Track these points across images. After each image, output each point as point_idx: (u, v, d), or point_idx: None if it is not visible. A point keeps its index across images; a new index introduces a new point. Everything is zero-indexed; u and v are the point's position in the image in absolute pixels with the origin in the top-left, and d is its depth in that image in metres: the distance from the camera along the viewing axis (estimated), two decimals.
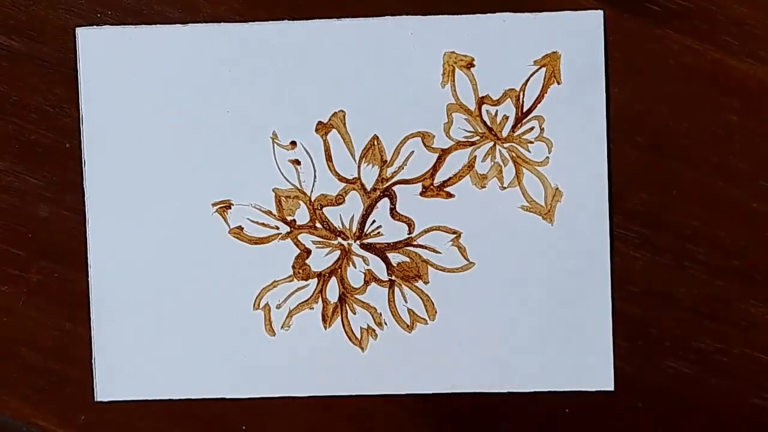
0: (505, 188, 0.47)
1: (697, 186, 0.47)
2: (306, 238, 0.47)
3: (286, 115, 0.47)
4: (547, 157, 0.47)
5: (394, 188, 0.47)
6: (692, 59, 0.47)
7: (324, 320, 0.48)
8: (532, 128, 0.47)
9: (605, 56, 0.46)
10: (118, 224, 0.47)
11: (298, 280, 0.47)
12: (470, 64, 0.47)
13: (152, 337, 0.48)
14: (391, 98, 0.47)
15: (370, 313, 0.47)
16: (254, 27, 0.47)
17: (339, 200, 0.47)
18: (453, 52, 0.47)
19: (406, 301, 0.47)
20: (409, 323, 0.47)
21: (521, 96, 0.47)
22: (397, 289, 0.47)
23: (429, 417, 0.48)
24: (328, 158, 0.47)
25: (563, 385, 0.47)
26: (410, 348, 0.47)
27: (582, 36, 0.46)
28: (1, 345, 0.48)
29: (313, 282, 0.47)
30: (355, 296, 0.47)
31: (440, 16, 0.47)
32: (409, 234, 0.47)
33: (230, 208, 0.47)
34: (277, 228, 0.47)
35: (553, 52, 0.46)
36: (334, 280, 0.47)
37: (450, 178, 0.47)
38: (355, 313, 0.47)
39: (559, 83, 0.47)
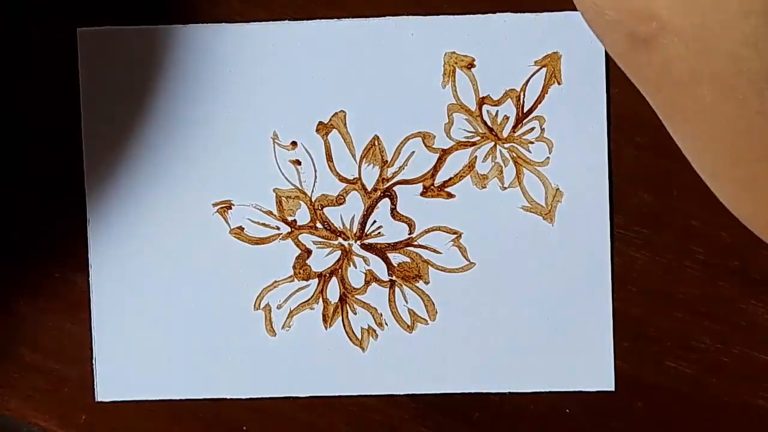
0: (505, 188, 0.47)
1: (697, 186, 0.47)
2: (307, 239, 0.47)
3: (286, 116, 0.47)
4: (548, 158, 0.47)
5: (395, 188, 0.47)
6: None
7: (324, 320, 0.48)
8: (532, 128, 0.47)
9: (605, 56, 0.46)
10: (118, 224, 0.47)
11: (299, 281, 0.47)
12: (471, 65, 0.47)
13: (152, 337, 0.48)
14: (392, 98, 0.47)
15: (371, 313, 0.47)
16: (254, 27, 0.47)
17: (339, 200, 0.47)
18: (453, 53, 0.47)
19: (406, 302, 0.47)
20: (409, 323, 0.47)
21: (522, 96, 0.47)
22: (397, 290, 0.47)
23: (429, 417, 0.48)
24: (329, 158, 0.47)
25: (563, 385, 0.47)
26: (411, 348, 0.47)
27: (582, 36, 0.46)
28: (1, 345, 0.48)
29: (314, 282, 0.47)
30: (356, 296, 0.47)
31: (440, 16, 0.47)
32: (409, 234, 0.47)
33: (231, 208, 0.47)
34: (278, 228, 0.47)
35: (554, 53, 0.47)
36: (334, 280, 0.47)
37: (451, 179, 0.47)
38: (355, 314, 0.47)
39: (559, 83, 0.47)
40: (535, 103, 0.47)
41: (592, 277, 0.47)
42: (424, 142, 0.47)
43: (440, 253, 0.47)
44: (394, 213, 0.47)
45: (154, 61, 0.47)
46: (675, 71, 0.29)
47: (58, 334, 0.48)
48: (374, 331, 0.48)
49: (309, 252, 0.47)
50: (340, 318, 0.47)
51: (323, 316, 0.48)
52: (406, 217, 0.47)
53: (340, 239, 0.47)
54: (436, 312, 0.47)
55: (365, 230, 0.47)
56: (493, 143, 0.47)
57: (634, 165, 0.47)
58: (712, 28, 0.27)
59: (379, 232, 0.47)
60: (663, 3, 0.27)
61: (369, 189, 0.47)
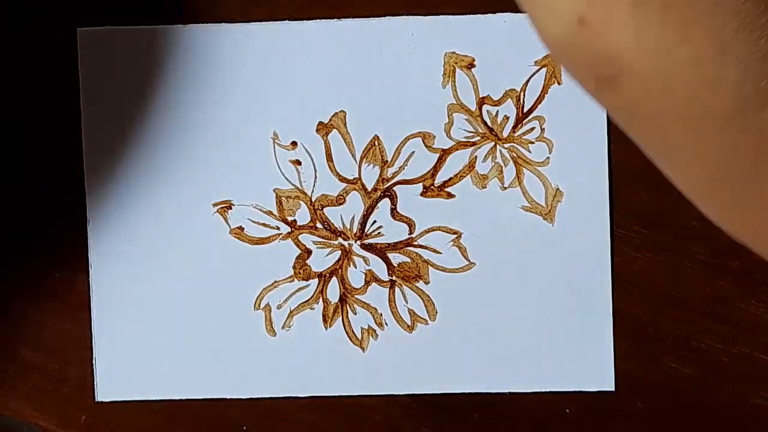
0: (505, 188, 0.47)
1: None
2: (307, 239, 0.47)
3: (286, 116, 0.47)
4: (548, 158, 0.47)
5: (395, 188, 0.47)
6: None
7: (325, 320, 0.48)
8: (532, 128, 0.47)
9: None
10: (119, 224, 0.47)
11: (299, 281, 0.47)
12: (471, 65, 0.47)
13: (152, 337, 0.48)
14: (392, 98, 0.47)
15: (371, 313, 0.47)
16: (254, 27, 0.47)
17: (340, 200, 0.47)
18: (454, 53, 0.47)
19: (406, 302, 0.47)
20: (409, 323, 0.47)
21: (522, 96, 0.47)
22: (397, 290, 0.47)
23: (429, 417, 0.48)
24: (329, 158, 0.47)
25: (563, 385, 0.47)
26: (410, 348, 0.47)
27: None
28: (1, 345, 0.48)
29: (314, 282, 0.47)
30: (356, 296, 0.47)
31: (441, 16, 0.47)
32: (409, 234, 0.47)
33: (231, 208, 0.47)
34: (278, 228, 0.47)
35: None
36: (334, 280, 0.47)
37: (451, 179, 0.47)
38: (355, 314, 0.47)
39: (559, 84, 0.47)
40: (535, 103, 0.47)
41: (592, 277, 0.47)
42: (424, 142, 0.47)
43: (440, 253, 0.47)
44: (394, 213, 0.47)
45: (154, 61, 0.47)
46: (641, 109, 0.29)
47: (58, 334, 0.48)
48: (374, 331, 0.48)
49: (309, 252, 0.47)
50: (340, 318, 0.47)
51: (323, 316, 0.48)
52: (406, 217, 0.47)
53: (340, 239, 0.47)
54: (436, 312, 0.47)
55: (365, 230, 0.47)
56: (493, 143, 0.47)
57: (634, 165, 0.47)
58: (669, 73, 0.28)
59: (379, 232, 0.47)
60: (623, 45, 0.28)
61: (369, 189, 0.47)
